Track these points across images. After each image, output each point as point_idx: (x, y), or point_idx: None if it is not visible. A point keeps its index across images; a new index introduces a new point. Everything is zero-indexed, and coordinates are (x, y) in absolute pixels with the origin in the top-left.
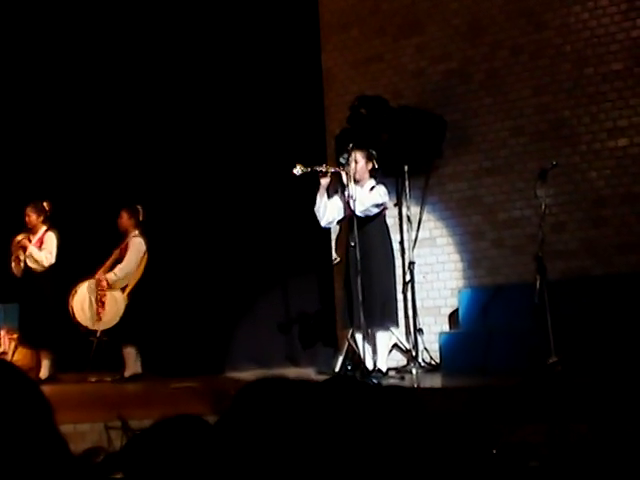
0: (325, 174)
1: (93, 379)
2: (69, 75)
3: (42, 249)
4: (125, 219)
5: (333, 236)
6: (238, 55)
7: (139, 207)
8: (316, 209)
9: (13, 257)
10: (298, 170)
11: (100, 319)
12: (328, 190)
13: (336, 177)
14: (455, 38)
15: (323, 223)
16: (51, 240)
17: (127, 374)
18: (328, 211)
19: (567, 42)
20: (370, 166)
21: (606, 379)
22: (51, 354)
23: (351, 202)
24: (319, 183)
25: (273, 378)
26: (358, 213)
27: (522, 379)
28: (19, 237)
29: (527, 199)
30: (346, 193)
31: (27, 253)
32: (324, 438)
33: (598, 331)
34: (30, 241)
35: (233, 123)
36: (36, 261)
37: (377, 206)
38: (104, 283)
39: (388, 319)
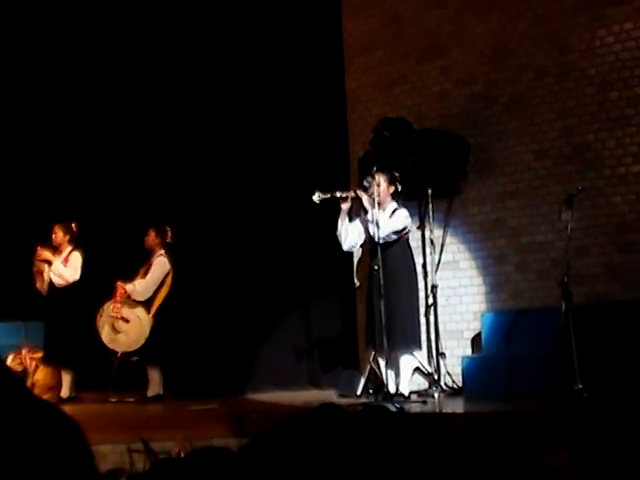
0: (345, 199)
1: (114, 399)
2: (97, 94)
3: (67, 267)
4: (152, 237)
5: (355, 259)
6: (263, 77)
7: (168, 228)
8: (338, 233)
9: (36, 270)
10: (317, 197)
11: (118, 332)
12: (350, 213)
13: (357, 201)
14: (480, 61)
15: (345, 247)
16: (76, 259)
17: (150, 394)
18: (350, 235)
19: (592, 65)
20: (392, 189)
21: (633, 406)
22: (73, 373)
23: (371, 227)
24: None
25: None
26: (378, 240)
27: (547, 405)
28: (41, 249)
29: (551, 223)
30: (367, 217)
31: (52, 268)
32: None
33: (623, 357)
34: (54, 258)
35: (258, 145)
36: (61, 276)
37: (397, 233)
38: (122, 290)
39: (411, 342)
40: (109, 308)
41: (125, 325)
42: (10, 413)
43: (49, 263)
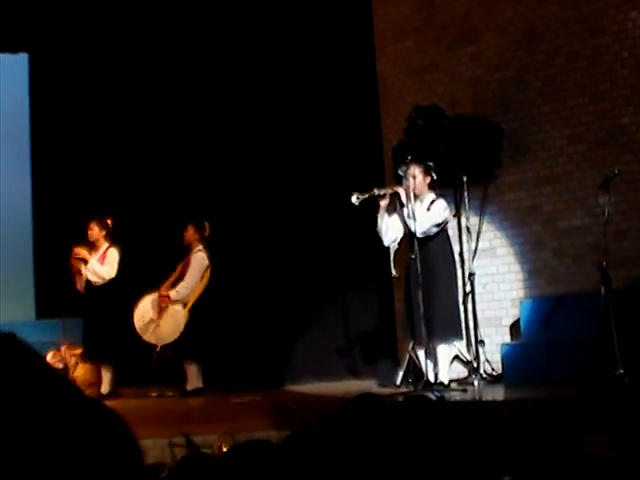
0: (383, 196)
1: (154, 394)
2: (132, 89)
3: (104, 264)
4: (191, 233)
5: (392, 249)
6: (296, 68)
7: (206, 223)
8: (378, 229)
9: (74, 270)
10: (355, 199)
11: (158, 326)
12: (388, 207)
13: (395, 196)
14: (511, 46)
15: (386, 242)
16: (113, 256)
17: (189, 388)
18: (390, 230)
19: (624, 48)
20: (428, 179)
21: None
22: (112, 369)
23: (409, 221)
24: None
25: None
26: (418, 235)
27: (588, 390)
28: (78, 248)
29: (587, 207)
30: (405, 211)
31: (88, 266)
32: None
33: None
34: (91, 255)
35: (293, 137)
36: (97, 274)
37: (437, 226)
38: (167, 300)
39: (451, 333)
40: (147, 303)
41: (165, 319)
42: (58, 410)
43: (85, 262)
